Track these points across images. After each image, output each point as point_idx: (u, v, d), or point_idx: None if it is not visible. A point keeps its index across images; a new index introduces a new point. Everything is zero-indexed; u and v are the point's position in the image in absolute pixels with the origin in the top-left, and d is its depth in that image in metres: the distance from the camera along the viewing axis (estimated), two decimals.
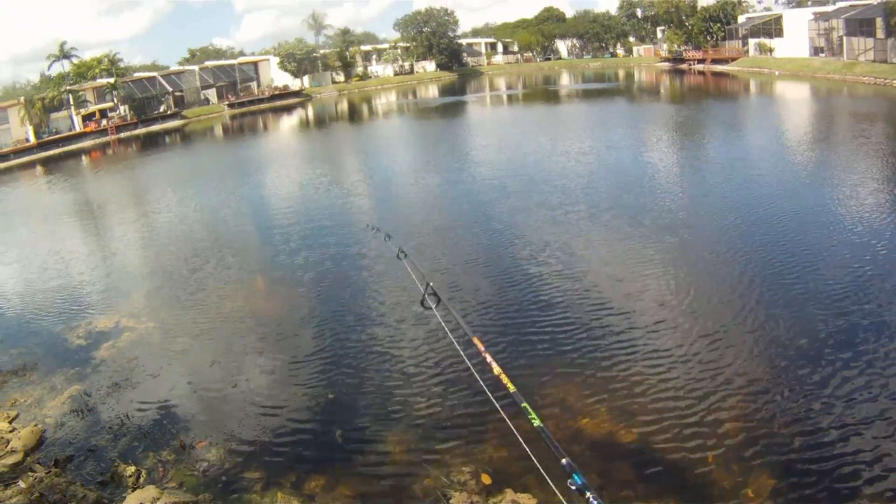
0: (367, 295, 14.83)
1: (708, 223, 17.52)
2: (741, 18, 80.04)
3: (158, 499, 8.31)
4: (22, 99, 66.27)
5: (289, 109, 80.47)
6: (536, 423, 3.10)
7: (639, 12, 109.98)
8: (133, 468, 9.07)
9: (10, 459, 9.76)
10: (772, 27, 71.21)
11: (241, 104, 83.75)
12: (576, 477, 2.68)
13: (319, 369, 11.54)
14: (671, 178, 23.74)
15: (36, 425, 10.71)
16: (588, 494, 2.59)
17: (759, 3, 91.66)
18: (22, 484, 8.99)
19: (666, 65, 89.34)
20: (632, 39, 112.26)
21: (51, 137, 65.04)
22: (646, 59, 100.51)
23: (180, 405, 10.89)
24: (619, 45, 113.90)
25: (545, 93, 71.82)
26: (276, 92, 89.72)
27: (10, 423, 10.99)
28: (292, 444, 9.45)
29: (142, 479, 8.88)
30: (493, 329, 12.22)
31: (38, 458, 9.82)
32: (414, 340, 12.14)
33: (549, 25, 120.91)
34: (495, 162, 30.42)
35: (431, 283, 5.38)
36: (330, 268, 17.03)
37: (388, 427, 9.47)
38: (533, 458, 3.53)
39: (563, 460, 2.80)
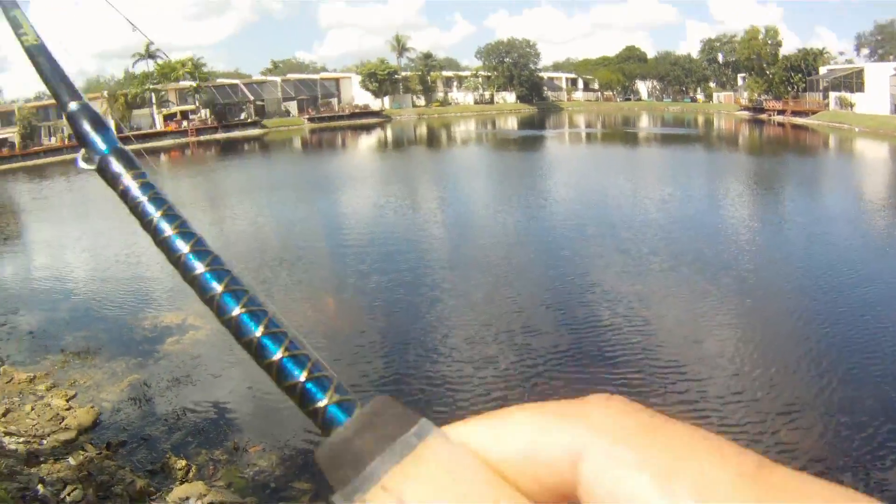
0: (437, 323, 14.54)
1: (789, 287, 16.25)
2: (822, 70, 77.65)
3: (205, 495, 8.16)
4: (105, 93, 68.73)
5: (368, 129, 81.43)
6: None
7: (720, 57, 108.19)
8: (184, 462, 8.96)
9: (64, 436, 9.80)
10: (853, 81, 68.95)
11: (321, 119, 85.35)
12: None
13: (380, 386, 11.30)
14: (752, 234, 22.56)
15: (92, 407, 10.76)
16: None
17: (841, 54, 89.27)
18: (72, 461, 8.99)
19: (746, 114, 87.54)
20: (712, 85, 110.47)
21: (132, 133, 67.29)
22: (725, 105, 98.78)
23: (238, 408, 10.75)
24: (699, 90, 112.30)
25: (625, 135, 70.79)
26: (357, 110, 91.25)
27: (67, 401, 11.08)
28: None
29: (191, 474, 8.75)
30: (560, 375, 11.80)
31: (90, 439, 9.83)
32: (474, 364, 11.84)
33: (630, 65, 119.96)
34: (574, 202, 29.47)
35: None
36: (401, 296, 16.31)
37: None
38: None
39: None
